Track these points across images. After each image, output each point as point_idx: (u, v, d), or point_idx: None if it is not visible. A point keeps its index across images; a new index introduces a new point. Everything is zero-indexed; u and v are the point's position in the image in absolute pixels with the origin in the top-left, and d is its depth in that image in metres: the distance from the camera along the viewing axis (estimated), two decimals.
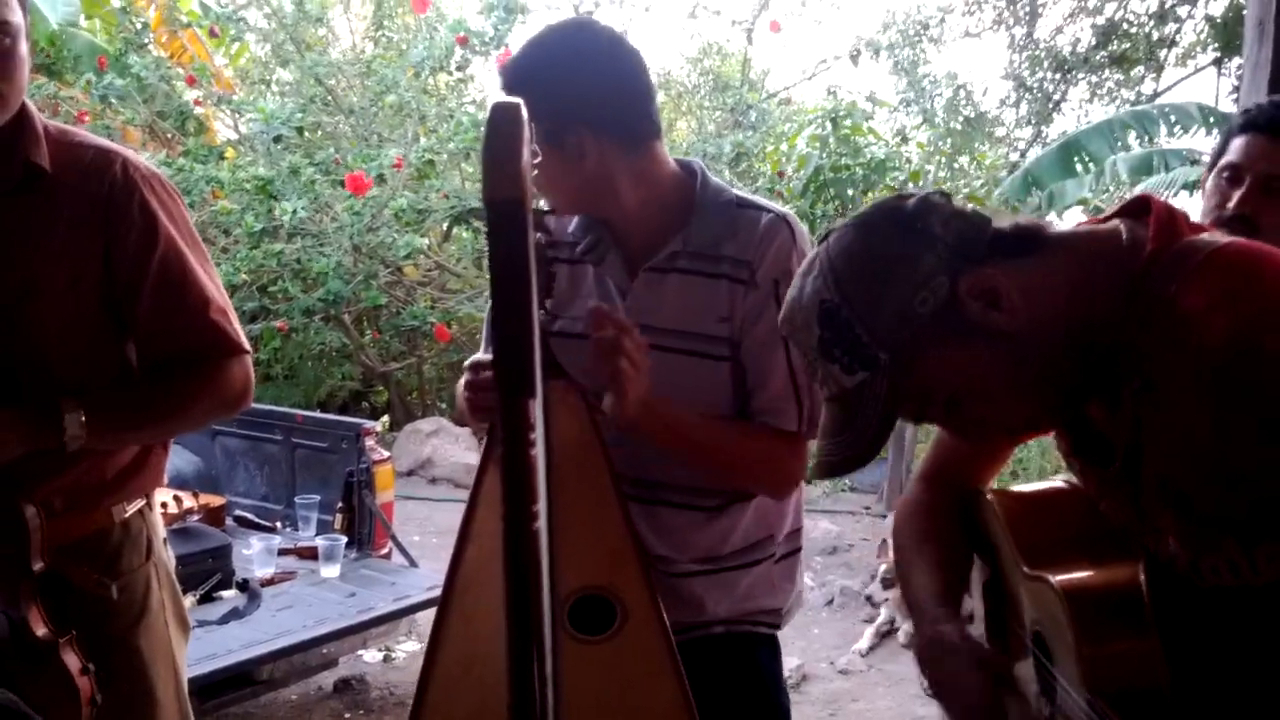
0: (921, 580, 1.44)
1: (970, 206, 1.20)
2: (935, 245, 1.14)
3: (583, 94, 1.72)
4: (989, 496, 1.44)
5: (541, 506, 1.45)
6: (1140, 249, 1.14)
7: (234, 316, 1.90)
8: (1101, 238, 1.19)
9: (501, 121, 1.46)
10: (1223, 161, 1.89)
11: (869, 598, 5.38)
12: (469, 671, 1.62)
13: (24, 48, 1.72)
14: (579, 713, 1.51)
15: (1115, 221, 1.20)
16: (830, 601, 5.51)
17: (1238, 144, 1.89)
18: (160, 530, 1.99)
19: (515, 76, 1.74)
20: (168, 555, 2.00)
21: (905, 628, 5.01)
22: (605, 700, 1.59)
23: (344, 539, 3.84)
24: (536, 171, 1.66)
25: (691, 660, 1.63)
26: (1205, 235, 1.14)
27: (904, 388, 1.18)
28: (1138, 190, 9.28)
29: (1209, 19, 14.77)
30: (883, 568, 5.35)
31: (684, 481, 1.77)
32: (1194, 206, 1.95)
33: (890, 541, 1.57)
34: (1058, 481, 1.44)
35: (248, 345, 1.91)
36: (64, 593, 1.78)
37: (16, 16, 1.68)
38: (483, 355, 1.87)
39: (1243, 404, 1.03)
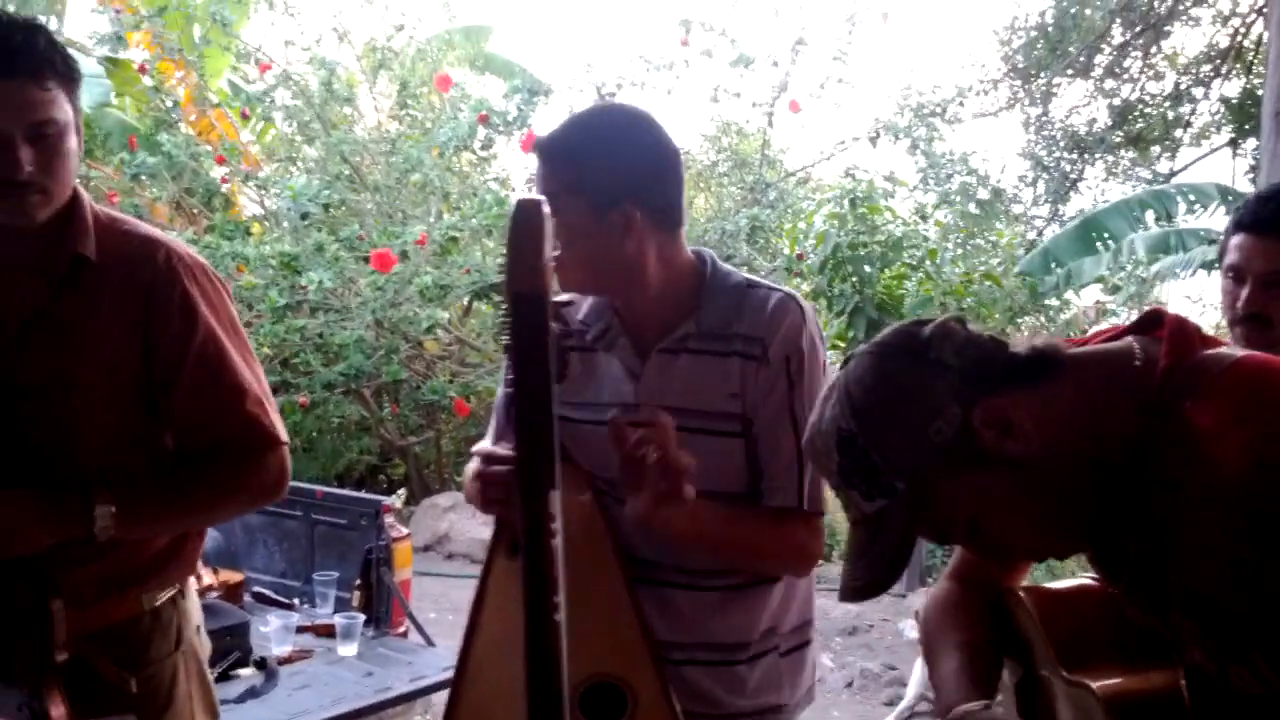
0: (950, 666, 1.44)
1: (987, 333, 1.22)
2: (948, 374, 1.16)
3: (633, 171, 1.77)
4: (1021, 594, 1.43)
5: (562, 597, 1.47)
6: (1154, 367, 1.16)
7: (272, 406, 1.90)
8: (1115, 358, 1.20)
9: (524, 217, 1.51)
10: (1225, 263, 1.94)
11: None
12: None
13: (72, 142, 1.73)
14: None
15: (1128, 339, 1.22)
16: (850, 684, 5.46)
17: (1234, 244, 1.94)
18: (195, 617, 1.98)
19: (564, 148, 1.78)
20: (201, 642, 1.99)
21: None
22: None
23: (362, 617, 3.83)
24: (560, 251, 1.70)
25: None
26: (1218, 350, 1.16)
27: (922, 515, 1.20)
28: (1155, 269, 9.31)
29: (1224, 99, 14.88)
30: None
31: (687, 564, 1.79)
32: (1212, 285, 2.00)
33: (918, 628, 1.56)
34: (1089, 579, 1.44)
35: (284, 436, 1.91)
36: (89, 680, 1.77)
37: (63, 113, 1.70)
38: (492, 445, 1.89)
39: (1261, 521, 1.04)
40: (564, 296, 1.87)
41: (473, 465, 1.81)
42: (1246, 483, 1.04)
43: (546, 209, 1.52)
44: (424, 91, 9.21)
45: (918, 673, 5.17)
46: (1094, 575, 1.43)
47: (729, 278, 1.86)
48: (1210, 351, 1.16)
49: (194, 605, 2.00)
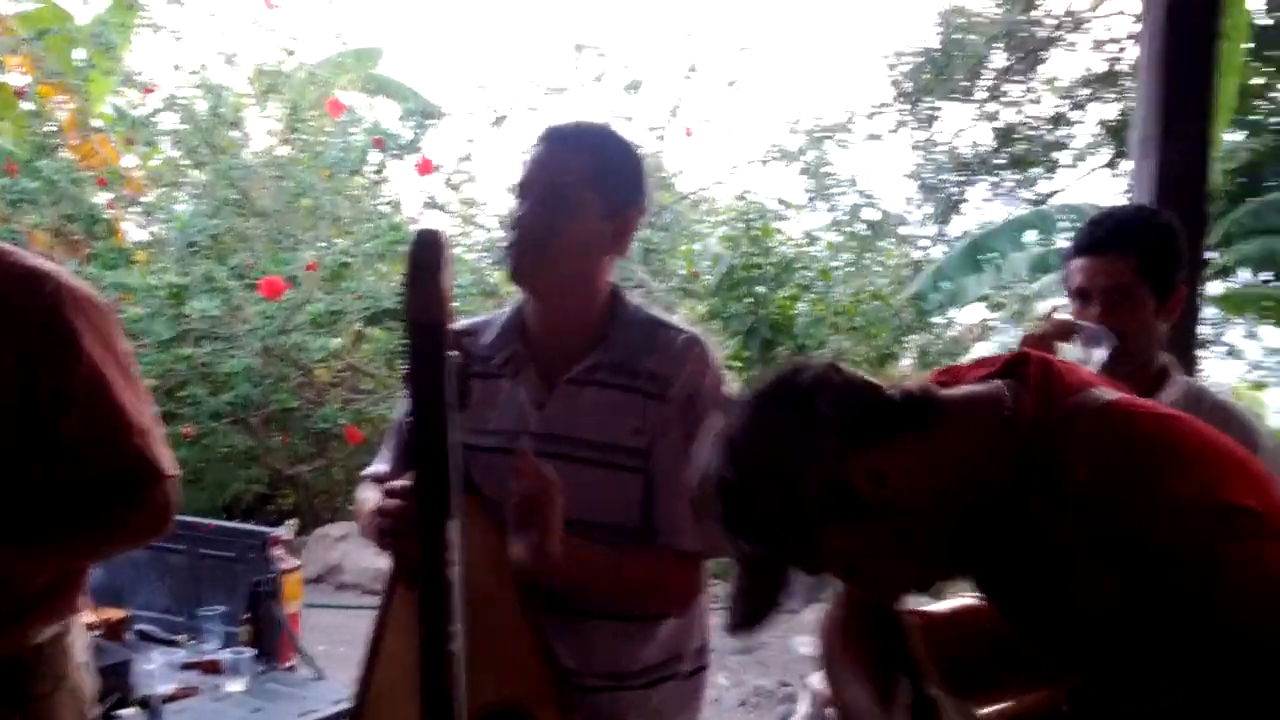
0: (855, 690, 1.46)
1: (862, 377, 1.25)
2: (826, 426, 1.19)
3: (640, 186, 1.86)
4: (907, 616, 1.45)
5: (459, 627, 1.46)
6: (1023, 413, 1.20)
7: (158, 439, 1.88)
8: (986, 402, 1.24)
9: (425, 247, 1.50)
10: (1071, 288, 2.04)
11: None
12: None
13: None
14: None
15: (998, 383, 1.25)
16: (744, 701, 5.49)
17: (1075, 267, 2.06)
18: (78, 655, 1.93)
19: (584, 143, 1.83)
20: (87, 680, 1.94)
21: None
22: None
23: (250, 652, 3.73)
24: (546, 238, 1.73)
25: None
26: (1084, 394, 1.20)
27: (801, 561, 1.24)
28: (1036, 287, 9.59)
29: (1102, 122, 15.43)
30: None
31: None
32: None
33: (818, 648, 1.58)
34: (975, 598, 1.46)
35: (171, 469, 1.88)
36: None
37: None
38: (383, 469, 1.87)
39: (1124, 565, 1.08)
40: (464, 324, 1.86)
41: (368, 495, 1.78)
42: (1112, 531, 1.09)
43: (445, 237, 1.51)
44: (315, 115, 9.09)
45: (811, 688, 5.22)
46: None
47: (639, 312, 1.88)
48: (1076, 398, 1.20)
49: (79, 642, 1.95)
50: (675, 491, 1.75)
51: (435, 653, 1.44)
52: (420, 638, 1.45)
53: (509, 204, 1.88)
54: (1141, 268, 2.00)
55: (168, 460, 1.88)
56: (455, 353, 1.54)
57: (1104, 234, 2.05)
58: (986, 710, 1.28)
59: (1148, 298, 2.00)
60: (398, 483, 1.67)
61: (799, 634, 6.40)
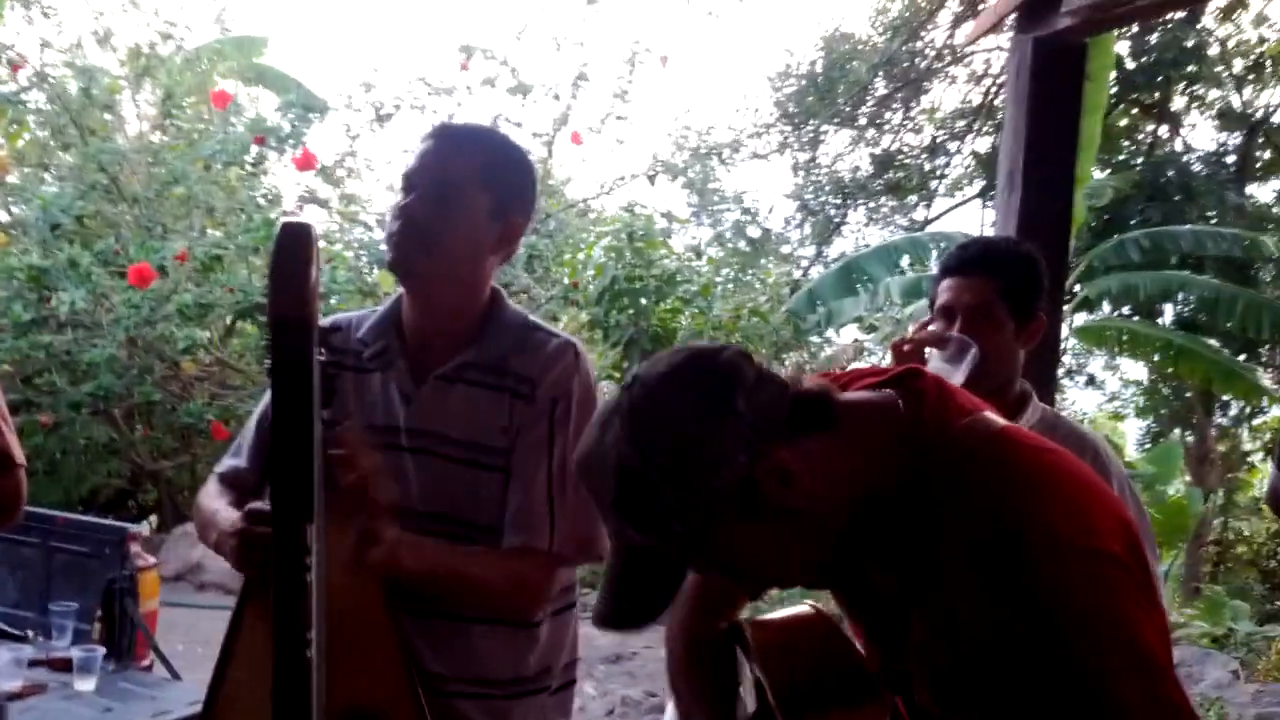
0: (696, 712, 1.48)
1: (774, 370, 1.23)
2: (739, 422, 1.16)
3: (529, 190, 1.88)
4: (746, 629, 1.45)
5: (315, 634, 1.44)
6: (919, 428, 1.20)
7: (9, 427, 1.83)
8: (883, 413, 1.23)
9: (291, 240, 1.48)
10: (937, 306, 2.14)
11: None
12: None
13: None
14: None
15: (890, 394, 1.25)
16: (611, 711, 5.51)
17: (943, 288, 2.15)
18: None
19: (476, 144, 1.85)
20: None
21: None
22: None
23: (102, 650, 3.62)
24: (433, 236, 1.73)
25: None
26: (975, 419, 1.22)
27: (692, 555, 1.20)
28: (909, 311, 9.84)
29: (975, 154, 15.92)
30: None
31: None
32: None
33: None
34: (806, 607, 1.47)
35: (21, 458, 1.84)
36: None
37: None
38: (240, 469, 1.84)
39: (992, 597, 1.09)
40: (334, 319, 1.85)
41: (218, 507, 1.73)
42: (987, 561, 1.09)
43: (315, 232, 1.50)
44: (192, 101, 8.85)
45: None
46: (813, 602, 1.50)
47: (516, 316, 1.88)
48: (969, 421, 1.22)
49: None
50: (530, 489, 1.76)
51: (289, 660, 1.42)
52: (275, 644, 1.43)
53: (393, 197, 1.88)
54: (1003, 290, 2.10)
55: (17, 449, 1.83)
56: (321, 351, 1.52)
57: (970, 256, 2.16)
58: None
59: (1007, 320, 2.10)
60: (257, 505, 1.62)
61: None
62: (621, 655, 6.43)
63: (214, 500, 1.77)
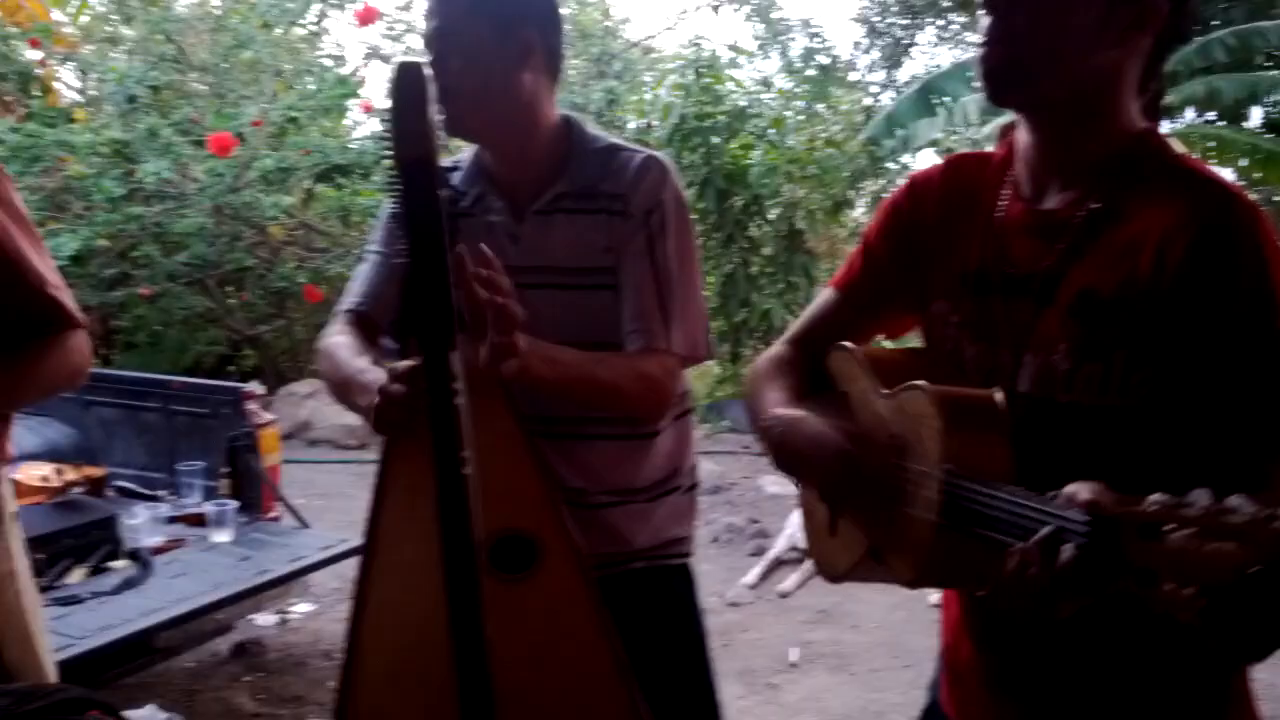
0: (774, 397, 1.48)
1: None
2: None
3: (535, 1, 1.83)
4: (849, 346, 1.45)
5: (469, 453, 1.51)
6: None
7: (69, 293, 1.91)
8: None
9: (406, 81, 1.50)
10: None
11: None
12: (400, 615, 1.68)
13: None
14: (506, 649, 1.58)
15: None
16: (715, 539, 5.67)
17: None
18: (9, 505, 1.95)
19: None
20: (17, 530, 1.97)
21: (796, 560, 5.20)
22: (529, 636, 1.66)
23: (234, 503, 3.81)
24: (456, 81, 1.71)
25: (614, 594, 1.71)
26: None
27: None
28: (986, 130, 9.60)
29: None
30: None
31: (590, 415, 1.84)
32: None
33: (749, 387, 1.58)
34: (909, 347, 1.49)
35: (84, 320, 1.92)
36: None
37: None
38: (361, 306, 1.90)
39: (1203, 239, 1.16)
40: (448, 161, 1.87)
41: (369, 374, 1.74)
42: (1207, 206, 1.17)
43: (429, 71, 1.51)
44: None
45: (790, 525, 5.40)
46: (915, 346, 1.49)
47: (596, 140, 1.90)
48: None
49: (6, 494, 1.97)
50: (640, 296, 1.80)
51: (450, 478, 1.49)
52: (435, 464, 1.50)
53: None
54: None
55: (76, 310, 1.91)
56: (444, 190, 1.55)
57: None
58: (927, 384, 1.26)
59: None
60: (402, 365, 1.63)
61: (765, 474, 6.59)
62: (721, 487, 6.58)
63: (352, 357, 1.80)
